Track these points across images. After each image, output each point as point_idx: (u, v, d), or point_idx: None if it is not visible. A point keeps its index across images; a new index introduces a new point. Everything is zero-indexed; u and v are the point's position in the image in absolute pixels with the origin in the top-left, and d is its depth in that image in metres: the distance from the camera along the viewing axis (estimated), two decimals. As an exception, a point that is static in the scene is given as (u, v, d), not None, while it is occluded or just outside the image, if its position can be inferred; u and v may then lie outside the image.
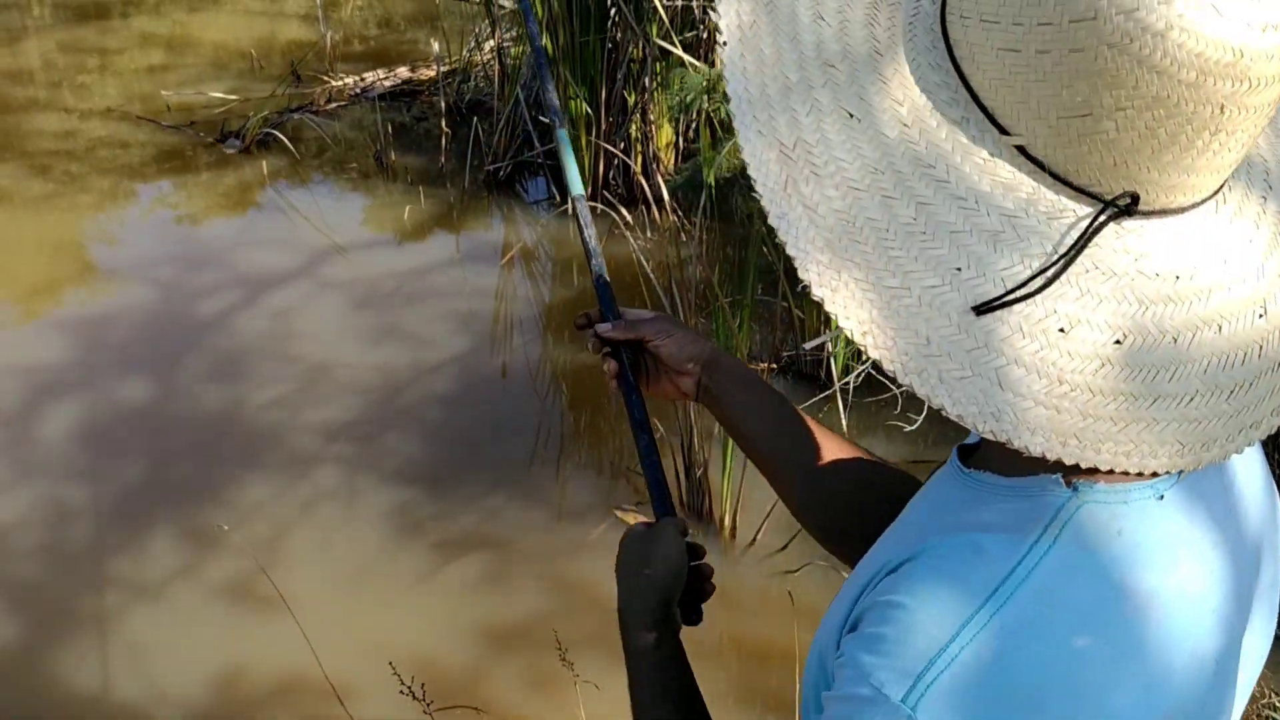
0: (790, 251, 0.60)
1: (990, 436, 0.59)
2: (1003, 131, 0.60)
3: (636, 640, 0.87)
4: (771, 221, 0.61)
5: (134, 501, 2.85)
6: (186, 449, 3.06)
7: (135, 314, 3.69)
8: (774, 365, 2.97)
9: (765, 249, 2.75)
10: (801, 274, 0.60)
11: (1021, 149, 0.60)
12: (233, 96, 5.17)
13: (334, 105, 5.17)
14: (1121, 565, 0.62)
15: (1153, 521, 0.63)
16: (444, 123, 4.73)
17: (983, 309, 0.59)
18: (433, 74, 5.25)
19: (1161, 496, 0.64)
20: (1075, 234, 0.59)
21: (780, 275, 3.01)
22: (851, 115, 0.61)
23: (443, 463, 3.01)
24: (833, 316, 0.60)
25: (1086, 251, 0.59)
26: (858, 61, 0.63)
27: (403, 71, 5.40)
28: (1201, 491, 0.67)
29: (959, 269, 0.59)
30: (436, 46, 5.00)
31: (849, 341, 3.13)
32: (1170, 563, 0.63)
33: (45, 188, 4.56)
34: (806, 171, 0.61)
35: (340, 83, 5.27)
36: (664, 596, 0.88)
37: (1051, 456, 0.59)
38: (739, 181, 3.06)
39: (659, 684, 0.86)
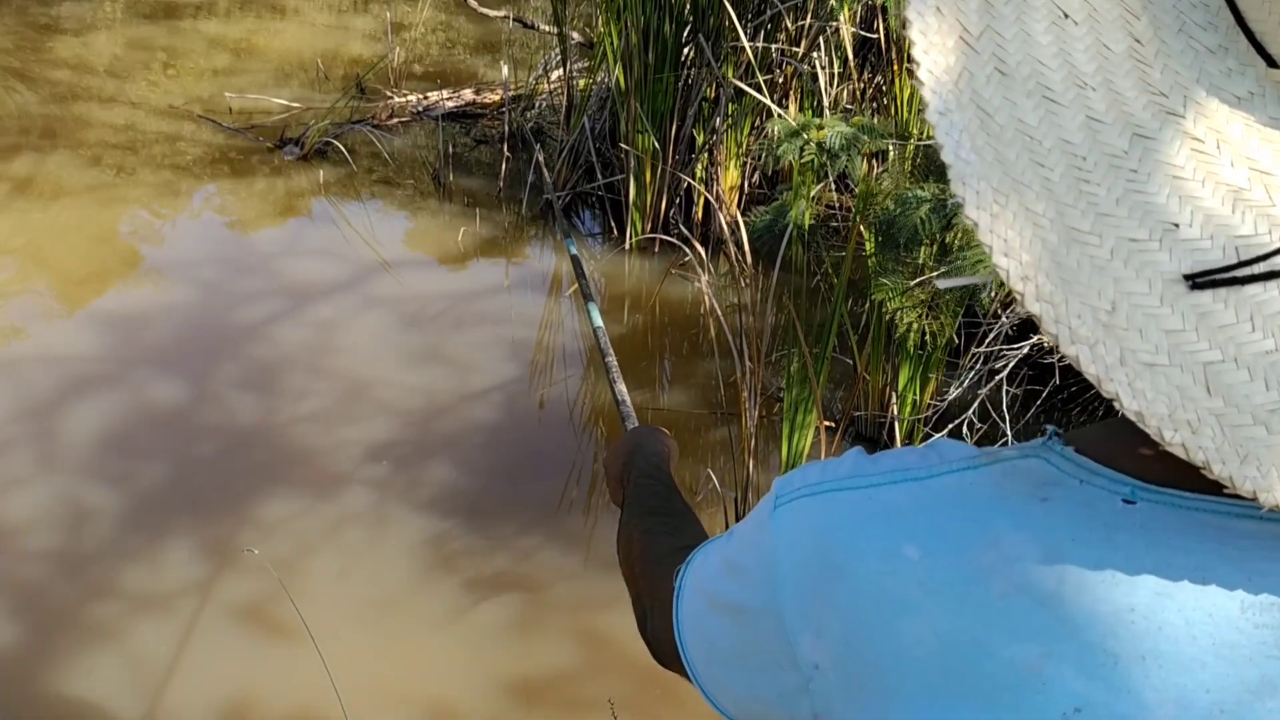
0: (946, 157, 0.47)
1: (1179, 453, 0.44)
2: (1272, 64, 0.46)
3: (643, 469, 1.01)
4: (930, 116, 0.48)
5: (153, 508, 2.72)
6: (213, 457, 2.94)
7: (174, 313, 3.59)
8: (833, 424, 2.81)
9: (841, 312, 2.61)
10: (955, 187, 0.47)
11: None
12: (295, 105, 5.12)
13: (395, 121, 5.11)
14: (1022, 521, 0.50)
15: (1140, 528, 0.48)
16: (505, 148, 4.65)
17: (1203, 279, 0.44)
18: (497, 98, 5.18)
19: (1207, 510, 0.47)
20: None
21: (849, 333, 2.86)
22: (1066, 16, 0.48)
23: (476, 495, 2.87)
24: (986, 250, 0.46)
25: None
26: None
27: (467, 93, 5.34)
28: None
29: (1176, 224, 0.45)
30: (505, 71, 4.93)
31: (915, 407, 2.99)
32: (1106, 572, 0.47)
33: (97, 178, 4.51)
34: (990, 68, 0.48)
35: (403, 99, 5.21)
36: (666, 459, 1.06)
37: (1267, 503, 0.44)
38: (818, 231, 2.94)
39: (658, 496, 0.97)
